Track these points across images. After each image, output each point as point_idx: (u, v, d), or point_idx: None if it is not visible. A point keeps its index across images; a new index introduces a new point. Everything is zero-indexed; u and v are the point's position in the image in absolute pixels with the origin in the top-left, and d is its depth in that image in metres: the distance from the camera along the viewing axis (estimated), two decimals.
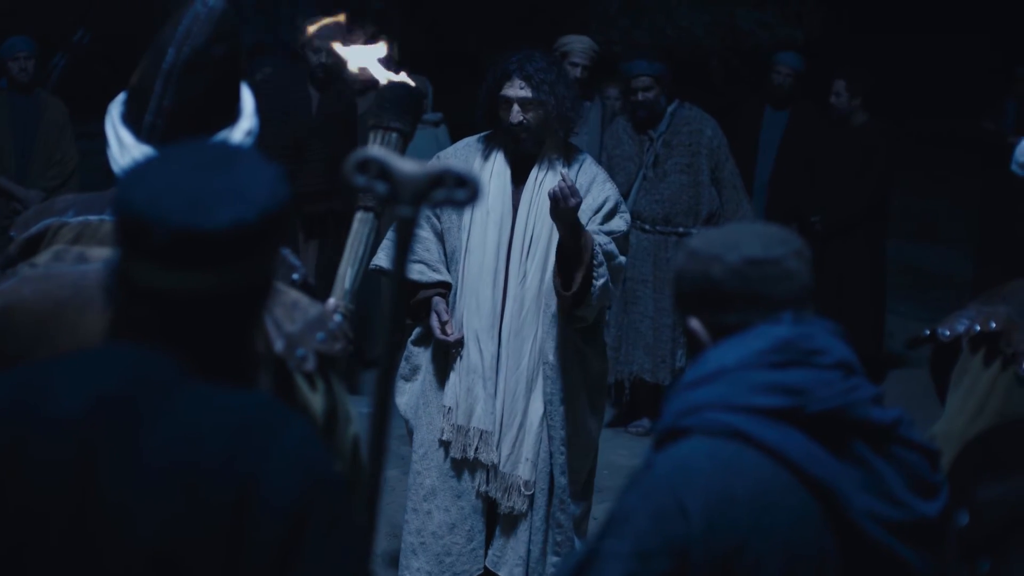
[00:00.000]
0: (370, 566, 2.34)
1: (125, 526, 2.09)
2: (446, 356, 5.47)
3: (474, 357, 5.41)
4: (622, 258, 5.43)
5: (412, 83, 3.63)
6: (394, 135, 3.57)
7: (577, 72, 8.84)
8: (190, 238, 2.12)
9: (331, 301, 3.30)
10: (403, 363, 5.62)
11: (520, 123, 5.30)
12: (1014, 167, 3.89)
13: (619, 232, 5.41)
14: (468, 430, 5.42)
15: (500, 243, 5.38)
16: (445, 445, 5.47)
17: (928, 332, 3.76)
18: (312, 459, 2.19)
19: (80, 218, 3.05)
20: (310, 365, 2.75)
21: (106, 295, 2.24)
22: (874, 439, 2.54)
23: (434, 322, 5.42)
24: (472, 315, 5.41)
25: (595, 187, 5.43)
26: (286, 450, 2.16)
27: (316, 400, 2.75)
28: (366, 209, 3.49)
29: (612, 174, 8.18)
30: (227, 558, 2.09)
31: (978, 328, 3.62)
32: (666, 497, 2.44)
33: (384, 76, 3.63)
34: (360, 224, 3.47)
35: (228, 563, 2.09)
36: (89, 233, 3.02)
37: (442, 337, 5.39)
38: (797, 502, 2.47)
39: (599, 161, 7.58)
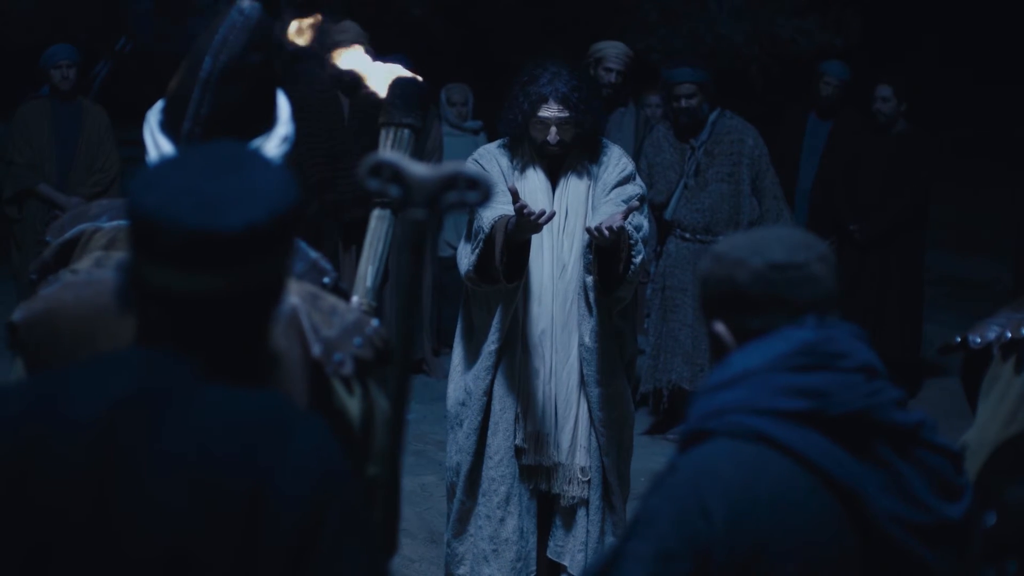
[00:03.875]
0: (387, 563, 2.37)
1: (143, 523, 2.13)
2: (516, 364, 5.50)
3: (536, 362, 5.48)
4: (646, 225, 5.51)
5: (418, 78, 3.64)
6: (406, 131, 3.58)
7: (612, 77, 8.88)
8: (202, 240, 2.15)
9: (354, 299, 3.33)
10: (482, 373, 5.58)
11: (558, 142, 5.38)
12: None
13: (636, 195, 5.46)
14: (537, 435, 5.49)
15: (553, 245, 5.45)
16: (519, 452, 5.54)
17: (959, 339, 3.73)
18: (327, 457, 2.22)
19: (114, 223, 3.08)
20: (347, 370, 2.77)
21: (119, 299, 2.27)
22: (897, 442, 2.55)
23: (518, 217, 5.12)
24: (536, 318, 5.48)
25: (612, 163, 5.56)
26: (300, 448, 2.19)
27: (353, 404, 2.78)
28: (383, 206, 3.52)
29: (652, 182, 8.26)
30: (243, 555, 2.13)
31: (1009, 335, 3.59)
32: (689, 499, 2.46)
33: (386, 76, 3.64)
34: (378, 221, 3.49)
35: (244, 560, 2.13)
36: (123, 237, 3.04)
37: (532, 213, 5.06)
38: (819, 504, 2.48)
39: (638, 169, 7.63)
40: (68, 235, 3.12)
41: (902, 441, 2.56)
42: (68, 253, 3.10)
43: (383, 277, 3.55)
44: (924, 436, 2.58)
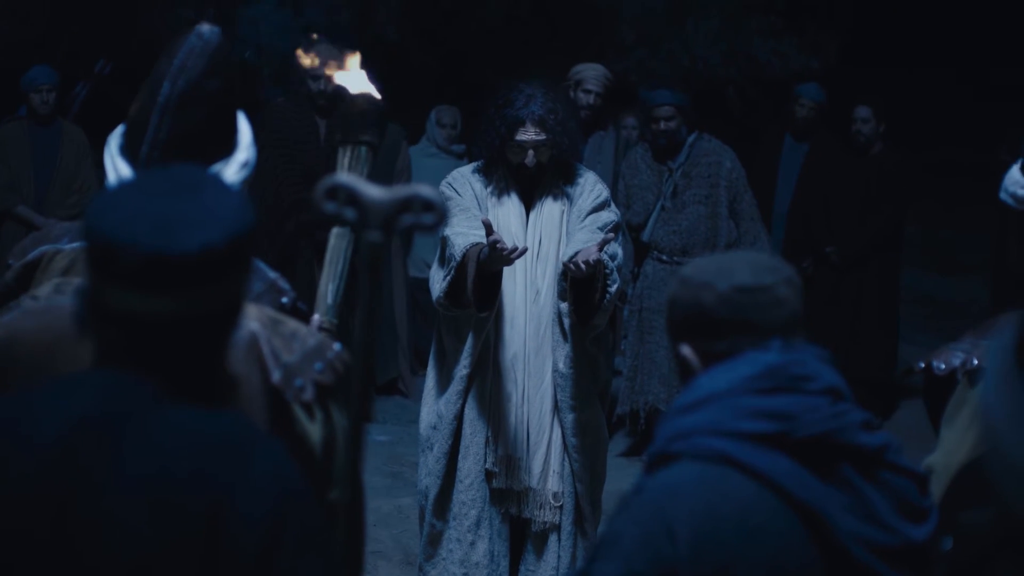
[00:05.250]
0: None
1: (104, 544, 2.14)
2: (487, 389, 5.50)
3: (508, 386, 5.48)
4: (620, 253, 5.51)
5: (376, 95, 3.64)
6: (363, 149, 3.59)
7: (591, 99, 8.89)
8: (159, 262, 2.17)
9: (315, 317, 3.33)
10: (453, 397, 5.56)
11: (535, 165, 5.39)
12: (1002, 195, 3.86)
13: (611, 223, 5.47)
14: (508, 459, 5.49)
15: (527, 270, 5.45)
16: (489, 475, 5.54)
17: (923, 365, 3.73)
18: (285, 477, 2.23)
19: (75, 244, 3.09)
20: (308, 395, 2.77)
21: (77, 321, 2.28)
22: (862, 464, 2.57)
23: (491, 250, 5.08)
24: (509, 342, 5.47)
25: (587, 189, 5.56)
26: (259, 468, 2.20)
27: (314, 430, 2.77)
28: (342, 224, 3.52)
29: (630, 203, 8.27)
30: (203, 570, 2.14)
31: (975, 362, 3.58)
32: (655, 520, 2.47)
33: (358, 90, 3.64)
34: (338, 239, 3.50)
35: (204, 575, 2.13)
36: (83, 259, 3.05)
37: (505, 248, 5.05)
38: (784, 525, 2.49)
39: (615, 190, 7.63)
40: (29, 257, 3.14)
41: (867, 463, 2.57)
42: (30, 275, 3.12)
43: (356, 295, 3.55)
44: (889, 458, 2.60)
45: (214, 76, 2.91)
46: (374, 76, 3.71)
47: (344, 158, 3.59)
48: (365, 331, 2.38)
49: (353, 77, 3.69)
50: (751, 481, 2.50)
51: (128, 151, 2.93)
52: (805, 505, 2.50)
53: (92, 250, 2.23)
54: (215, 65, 2.92)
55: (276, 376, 2.73)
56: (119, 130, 3.01)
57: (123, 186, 2.33)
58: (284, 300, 3.07)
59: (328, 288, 3.45)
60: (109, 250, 2.19)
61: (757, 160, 9.81)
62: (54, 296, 2.83)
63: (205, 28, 2.95)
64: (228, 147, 2.96)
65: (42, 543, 2.17)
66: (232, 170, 2.93)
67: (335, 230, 3.52)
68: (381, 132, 3.66)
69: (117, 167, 2.93)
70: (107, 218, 2.21)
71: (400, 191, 2.34)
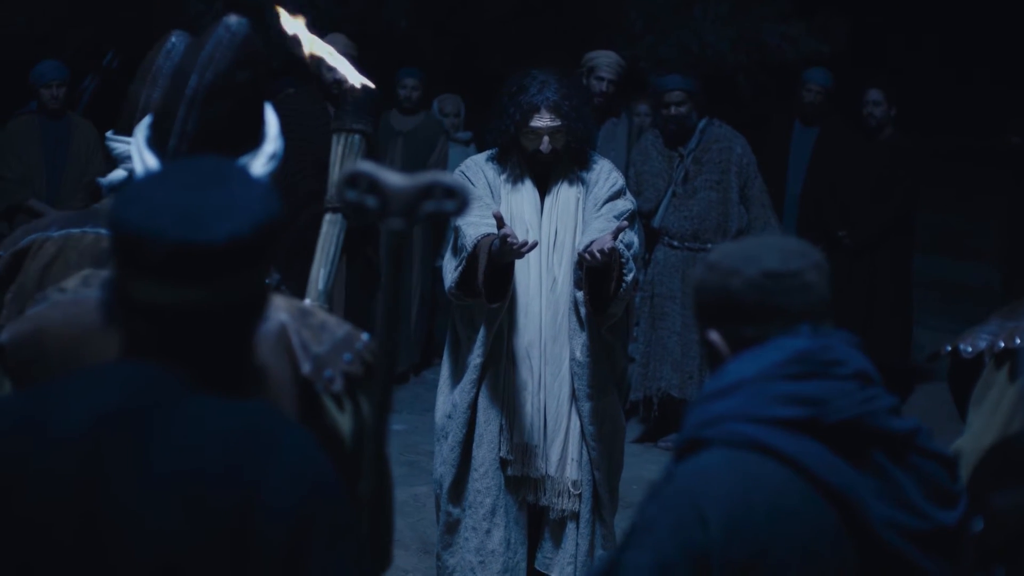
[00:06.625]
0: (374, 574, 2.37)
1: (132, 536, 2.13)
2: (501, 377, 5.50)
3: (524, 374, 5.47)
4: (636, 243, 5.52)
5: (370, 84, 3.63)
6: (356, 137, 3.58)
7: (603, 86, 8.88)
8: (186, 252, 2.17)
9: (307, 302, 3.33)
10: (467, 386, 5.57)
11: (551, 151, 5.37)
12: None
13: (627, 211, 5.46)
14: (524, 446, 5.48)
15: (542, 258, 5.43)
16: (504, 463, 5.54)
17: (949, 348, 3.72)
18: (313, 466, 2.23)
19: (62, 231, 3.12)
20: (338, 386, 2.75)
21: (104, 313, 2.28)
22: (892, 449, 2.56)
23: (501, 243, 5.07)
24: (523, 331, 5.46)
25: (602, 178, 5.55)
26: (288, 457, 2.20)
27: (344, 421, 2.76)
28: (334, 210, 3.52)
29: (641, 190, 8.27)
30: (232, 565, 2.13)
31: (1002, 344, 3.57)
32: (686, 507, 2.47)
33: (354, 79, 3.64)
34: (329, 225, 3.50)
35: (234, 570, 2.13)
36: (71, 245, 3.09)
37: (515, 242, 5.07)
38: (816, 511, 2.49)
39: (627, 177, 7.64)
40: (19, 245, 3.18)
41: (897, 448, 2.57)
42: (19, 263, 3.17)
43: (373, 283, 3.57)
44: (919, 443, 2.59)
45: (242, 68, 2.90)
46: (382, 68, 3.71)
47: (337, 147, 3.59)
48: (388, 320, 2.37)
49: (343, 64, 3.69)
50: (782, 467, 2.49)
51: (155, 143, 2.93)
52: (837, 490, 2.49)
53: (118, 241, 2.22)
54: (243, 57, 2.90)
55: (306, 367, 2.72)
56: (146, 121, 3.00)
57: (149, 177, 2.34)
58: (267, 281, 3.08)
59: (319, 273, 3.46)
60: (135, 241, 2.18)
61: (767, 145, 9.80)
62: (81, 288, 2.83)
63: (233, 20, 2.94)
64: (256, 139, 2.95)
65: (68, 540, 2.16)
66: (260, 162, 2.92)
67: (327, 216, 3.53)
68: (375, 120, 3.67)
69: (145, 159, 2.92)
70: (133, 209, 2.21)
71: (421, 178, 2.33)
